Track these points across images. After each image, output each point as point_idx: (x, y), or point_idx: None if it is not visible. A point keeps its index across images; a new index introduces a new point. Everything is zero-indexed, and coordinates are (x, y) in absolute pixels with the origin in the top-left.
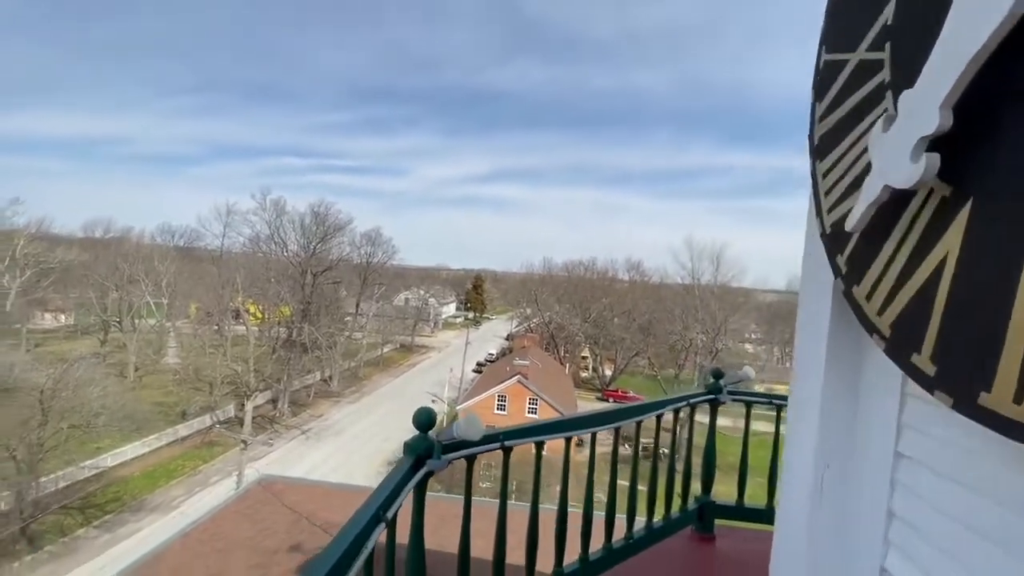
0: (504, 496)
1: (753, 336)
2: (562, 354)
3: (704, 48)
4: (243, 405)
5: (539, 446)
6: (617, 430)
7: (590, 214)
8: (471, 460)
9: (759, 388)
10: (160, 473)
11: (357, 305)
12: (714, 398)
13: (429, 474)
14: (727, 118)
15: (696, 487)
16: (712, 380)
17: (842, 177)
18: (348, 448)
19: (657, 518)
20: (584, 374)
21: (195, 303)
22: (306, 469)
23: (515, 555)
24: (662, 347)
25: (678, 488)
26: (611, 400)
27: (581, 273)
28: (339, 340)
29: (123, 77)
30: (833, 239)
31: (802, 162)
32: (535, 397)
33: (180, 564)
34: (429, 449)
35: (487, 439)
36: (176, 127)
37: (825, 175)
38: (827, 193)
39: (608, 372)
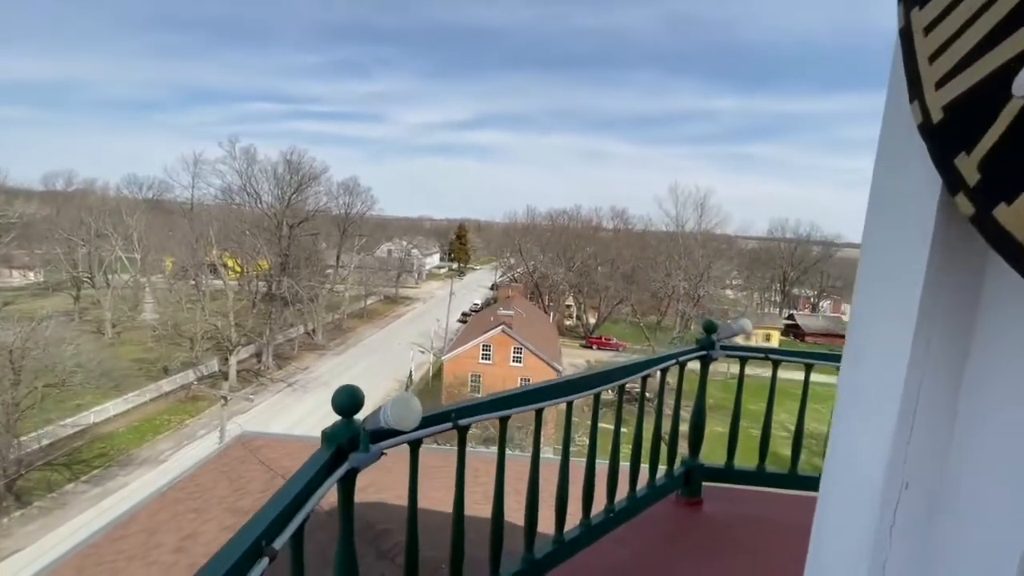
0: (461, 486)
1: (734, 283)
2: (546, 303)
3: None
4: (227, 360)
5: (503, 422)
6: (597, 396)
7: (575, 161)
8: (415, 446)
9: (739, 336)
10: (146, 428)
11: (338, 257)
12: (706, 354)
13: (354, 471)
14: (713, 58)
15: (683, 450)
16: (704, 334)
17: (966, 26)
18: None
19: (641, 485)
20: (568, 322)
21: (170, 258)
22: (293, 421)
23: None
24: (645, 294)
25: (664, 455)
26: (594, 347)
27: (565, 222)
28: (321, 293)
29: (80, 14)
30: (947, 132)
31: (792, 104)
32: (520, 346)
33: (154, 525)
34: (354, 438)
35: (432, 420)
36: (139, 70)
37: (930, 29)
38: (934, 57)
39: (592, 320)
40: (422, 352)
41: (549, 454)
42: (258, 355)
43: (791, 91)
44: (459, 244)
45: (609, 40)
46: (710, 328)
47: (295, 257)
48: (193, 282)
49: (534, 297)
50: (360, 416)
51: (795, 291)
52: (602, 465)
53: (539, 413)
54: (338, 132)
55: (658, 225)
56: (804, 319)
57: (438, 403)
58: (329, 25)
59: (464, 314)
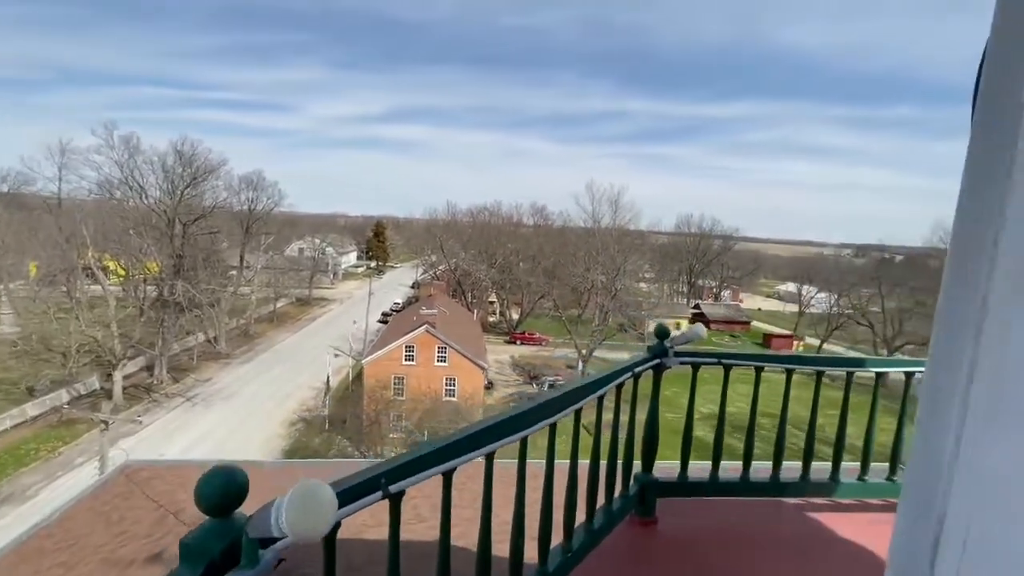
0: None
1: (647, 276)
2: (469, 300)
3: None
4: (110, 376)
5: (447, 478)
6: (553, 426)
7: (495, 157)
8: (333, 534)
9: (652, 325)
10: (8, 459)
11: (241, 257)
12: (659, 362)
13: None
14: (627, 63)
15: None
16: (657, 341)
17: None
18: (242, 412)
19: (598, 513)
20: (492, 319)
21: (33, 261)
22: (192, 441)
23: None
24: (566, 289)
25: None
26: (518, 343)
27: (486, 218)
28: (223, 296)
29: None
30: None
31: (697, 109)
32: (444, 346)
33: None
34: (233, 548)
35: (355, 491)
36: (6, 44)
37: None
38: None
39: (515, 316)
40: (339, 356)
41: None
42: (149, 368)
43: (697, 97)
44: (377, 242)
45: (532, 40)
46: (663, 334)
47: (191, 258)
48: (64, 288)
49: (457, 295)
50: (243, 510)
51: (700, 282)
52: (558, 497)
53: (490, 458)
54: (241, 122)
55: (576, 221)
56: (708, 308)
57: (360, 408)
58: (231, 5)
59: (385, 314)
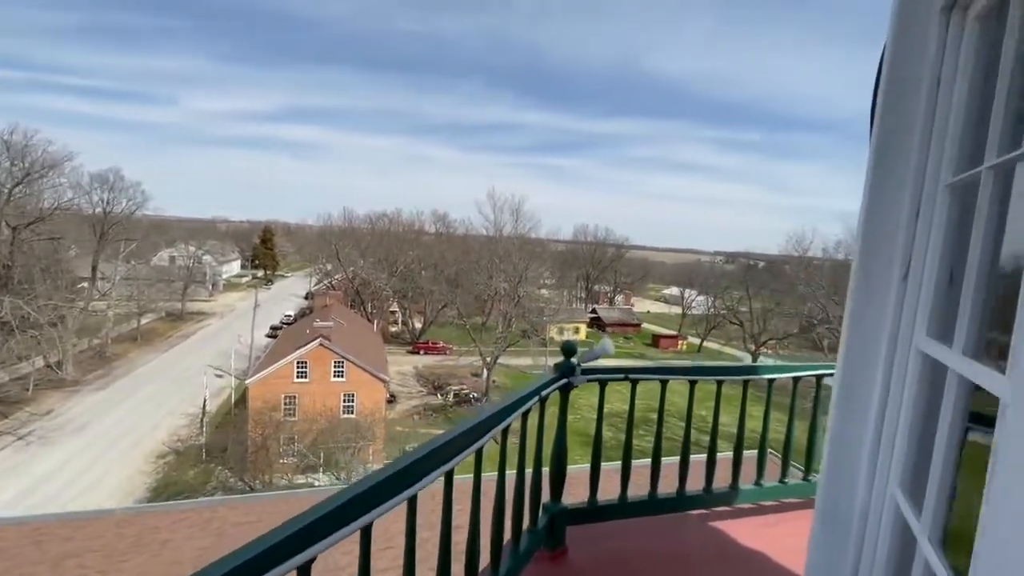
0: None
1: (547, 282)
2: (369, 311)
3: (504, 5)
4: None
5: (365, 534)
6: (450, 473)
7: (395, 163)
8: None
9: (554, 331)
10: None
11: (94, 268)
12: (567, 381)
13: None
14: (525, 76)
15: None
16: (564, 358)
17: None
18: (95, 449)
19: (505, 555)
20: (394, 329)
21: None
22: (25, 488)
23: None
24: (469, 297)
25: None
26: (422, 352)
27: (386, 225)
28: (68, 313)
29: None
30: None
31: (590, 124)
32: (341, 360)
33: None
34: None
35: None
36: None
37: None
38: None
39: (418, 325)
40: (221, 376)
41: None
42: None
43: (588, 113)
44: (265, 249)
45: (431, 47)
46: (570, 351)
47: (24, 268)
48: None
49: (355, 305)
50: None
51: (596, 287)
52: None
53: (412, 503)
54: (99, 112)
55: (479, 229)
56: (604, 312)
57: (244, 433)
58: None
59: (274, 328)
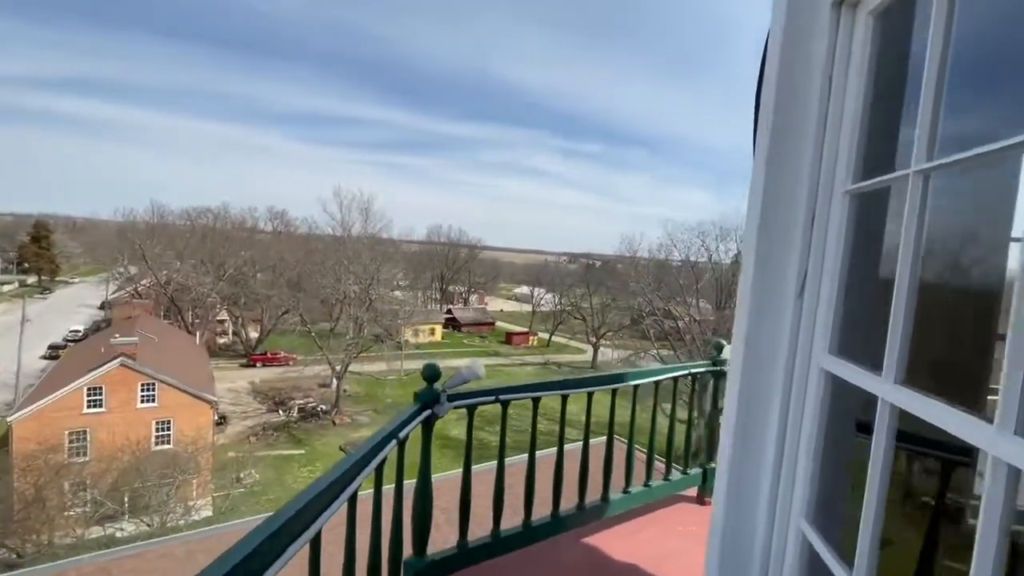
0: None
1: (401, 284)
2: (190, 321)
3: None
4: None
5: None
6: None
7: (221, 152)
8: None
9: (409, 333)
10: None
11: None
12: (430, 413)
13: None
14: (376, 71)
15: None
16: (426, 385)
17: None
18: None
19: None
20: (223, 340)
21: None
22: None
23: None
24: (314, 301)
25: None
26: (259, 365)
27: (209, 222)
28: None
29: None
30: None
31: (442, 126)
32: (150, 381)
33: None
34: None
35: None
36: None
37: None
38: None
39: (254, 335)
40: None
41: None
42: None
43: (440, 114)
44: (38, 249)
45: (270, 26)
46: (432, 376)
47: None
48: None
49: (171, 315)
50: None
51: (451, 288)
52: None
53: None
54: None
55: (323, 228)
56: (459, 312)
57: (4, 486)
58: None
59: (54, 347)
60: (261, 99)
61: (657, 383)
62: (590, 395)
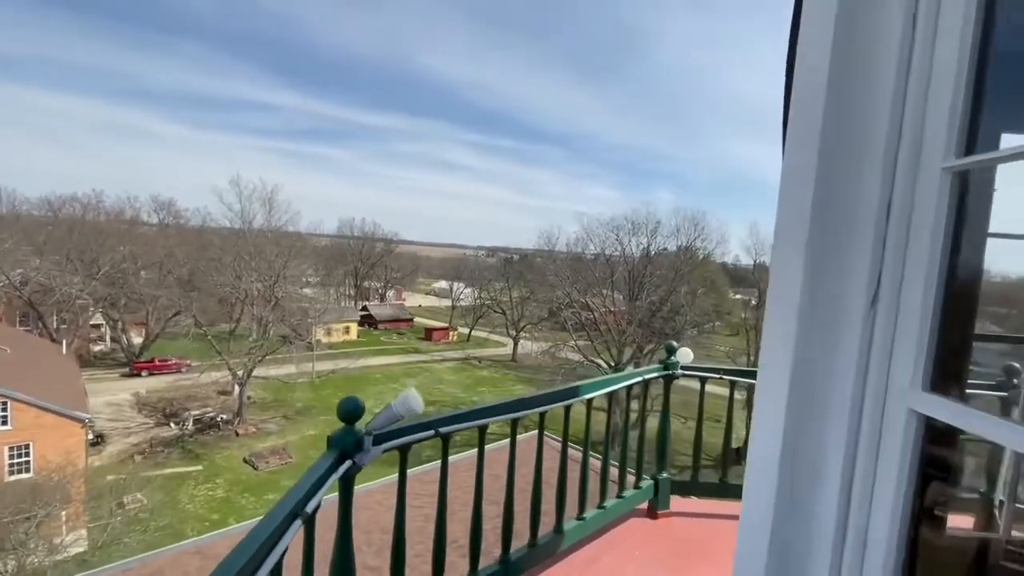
0: None
1: (311, 280)
2: (55, 327)
3: None
4: None
5: None
6: None
7: (89, 134)
8: None
9: (321, 333)
10: None
11: None
12: (351, 464)
13: None
14: (276, 52)
15: None
16: (343, 427)
17: None
18: None
19: None
20: (99, 348)
21: None
22: None
23: None
24: (211, 301)
25: None
26: (145, 373)
27: (77, 212)
28: None
29: None
30: None
31: (353, 114)
32: (2, 400)
33: None
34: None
35: None
36: None
37: None
38: None
39: (138, 340)
40: None
41: None
42: None
43: (350, 102)
44: None
45: None
46: (352, 415)
47: None
48: None
49: (28, 320)
50: None
51: (366, 284)
52: None
53: None
54: None
55: (220, 221)
56: (376, 309)
57: None
58: None
59: None
60: (142, 77)
61: (611, 394)
62: (542, 416)
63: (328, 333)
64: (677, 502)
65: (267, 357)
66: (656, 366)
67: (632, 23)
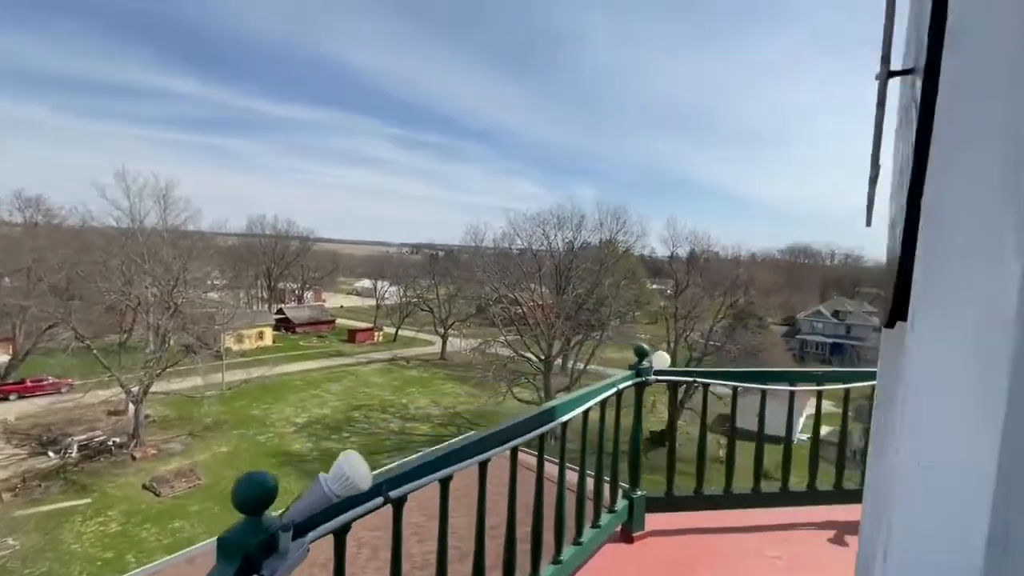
0: None
1: (217, 283)
2: None
3: None
4: None
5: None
6: None
7: None
8: None
9: (231, 340)
10: None
11: None
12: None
13: None
14: (165, 32)
15: None
16: (243, 523)
17: None
18: None
19: None
20: None
21: None
22: None
23: None
24: (96, 310)
25: None
26: (13, 396)
27: None
28: None
29: None
30: None
31: (259, 104)
32: None
33: None
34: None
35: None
36: None
37: None
38: None
39: (4, 358)
40: None
41: None
42: None
43: (253, 90)
44: None
45: None
46: (256, 501)
47: None
48: None
49: None
50: None
51: (282, 285)
52: None
53: None
54: None
55: (104, 220)
56: (293, 312)
57: None
58: None
59: None
60: (6, 56)
61: (586, 413)
62: (514, 452)
63: (240, 340)
64: (652, 520)
65: (168, 370)
66: (628, 373)
67: (551, 22)
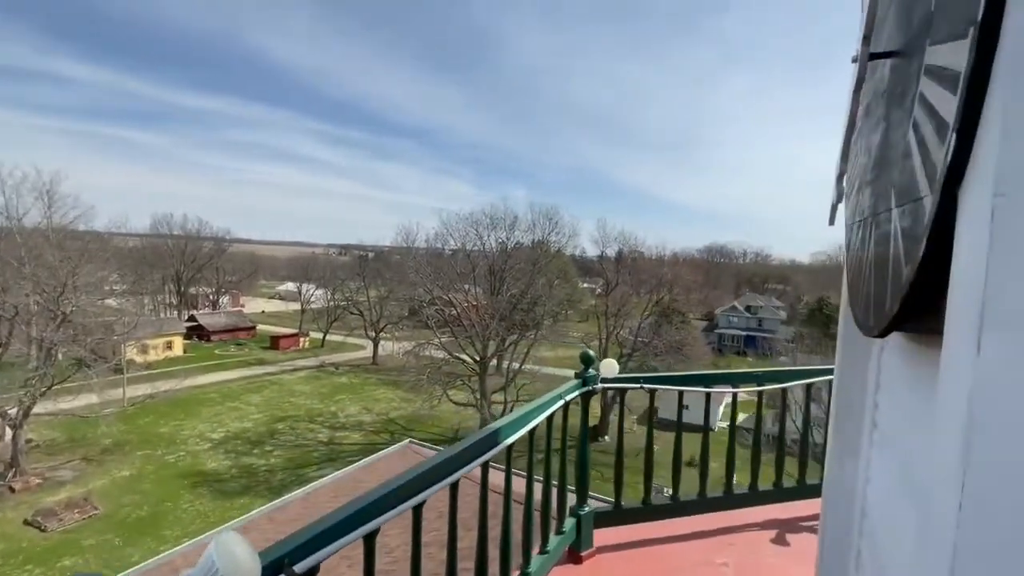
0: None
1: (116, 289)
2: None
3: None
4: None
5: None
6: None
7: None
8: None
9: (134, 351)
10: None
11: None
12: None
13: None
14: (57, 9)
15: None
16: None
17: None
18: None
19: None
20: None
21: None
22: None
23: None
24: None
25: None
26: None
27: None
28: None
29: None
30: None
31: (172, 95)
32: None
33: None
34: None
35: None
36: None
37: None
38: None
39: None
40: None
41: None
42: None
43: (165, 79)
44: None
45: None
46: None
47: None
48: None
49: None
50: None
51: (193, 290)
52: None
53: None
54: None
55: None
56: (207, 318)
57: None
58: None
59: None
60: None
61: (532, 431)
62: (454, 488)
63: (144, 351)
64: (599, 535)
65: (55, 387)
66: (575, 383)
67: (483, 24)
